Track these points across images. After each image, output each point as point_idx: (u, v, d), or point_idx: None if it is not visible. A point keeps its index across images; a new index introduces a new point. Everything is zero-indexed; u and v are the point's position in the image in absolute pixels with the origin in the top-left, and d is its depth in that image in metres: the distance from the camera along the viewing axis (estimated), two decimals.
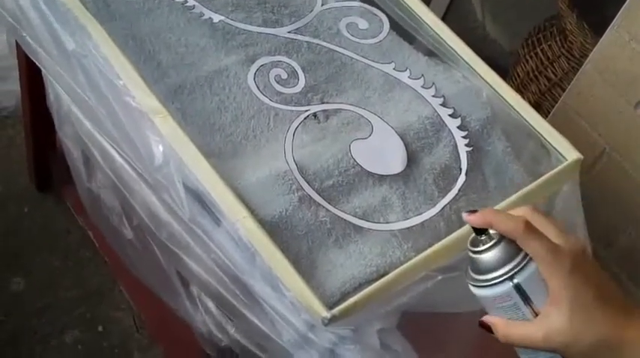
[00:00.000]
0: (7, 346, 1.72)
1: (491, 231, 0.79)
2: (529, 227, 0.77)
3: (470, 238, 0.81)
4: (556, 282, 0.76)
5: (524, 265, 0.77)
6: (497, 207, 1.05)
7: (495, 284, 0.77)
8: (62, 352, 1.74)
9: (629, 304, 0.78)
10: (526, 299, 0.77)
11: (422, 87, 1.19)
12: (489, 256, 0.78)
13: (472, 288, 0.81)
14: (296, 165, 1.06)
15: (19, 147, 2.00)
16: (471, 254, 0.80)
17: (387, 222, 1.04)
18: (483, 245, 0.79)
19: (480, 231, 0.79)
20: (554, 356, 0.78)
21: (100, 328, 1.78)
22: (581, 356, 0.77)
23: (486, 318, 0.81)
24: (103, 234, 1.38)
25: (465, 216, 0.80)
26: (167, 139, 1.03)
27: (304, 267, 0.97)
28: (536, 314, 0.77)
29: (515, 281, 0.77)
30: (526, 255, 0.77)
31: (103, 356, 1.75)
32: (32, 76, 1.60)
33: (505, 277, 0.77)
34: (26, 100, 1.75)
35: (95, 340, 1.77)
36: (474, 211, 0.80)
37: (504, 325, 0.79)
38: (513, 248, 0.77)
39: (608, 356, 0.76)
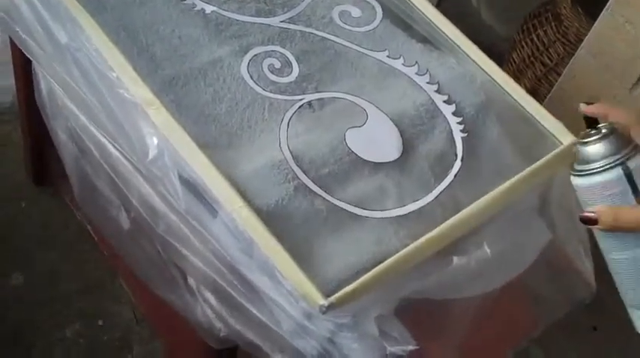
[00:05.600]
0: (8, 341, 1.72)
1: (602, 128, 0.85)
2: None
3: (580, 134, 0.87)
4: None
5: (635, 154, 0.83)
6: (493, 192, 1.05)
7: (607, 169, 0.83)
8: (63, 346, 1.74)
9: None
10: (634, 186, 0.82)
11: (416, 74, 1.19)
12: (601, 145, 0.84)
13: (580, 179, 0.86)
14: (291, 154, 1.06)
15: (16, 143, 2.00)
16: (581, 147, 0.86)
17: (383, 210, 1.04)
18: (595, 136, 0.85)
19: (591, 125, 0.86)
20: None
21: (100, 322, 1.79)
22: None
23: (589, 210, 0.84)
24: (99, 228, 1.38)
25: (582, 106, 0.87)
26: (161, 131, 1.03)
27: (301, 255, 0.96)
28: None
29: (627, 166, 0.82)
30: (636, 146, 0.83)
31: (103, 350, 1.75)
32: (27, 71, 1.60)
33: (617, 162, 0.83)
34: (22, 95, 1.74)
35: (96, 334, 1.77)
36: (591, 103, 0.87)
37: (612, 209, 0.83)
38: (624, 140, 0.84)
39: None
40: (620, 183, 0.82)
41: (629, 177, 0.82)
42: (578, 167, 0.86)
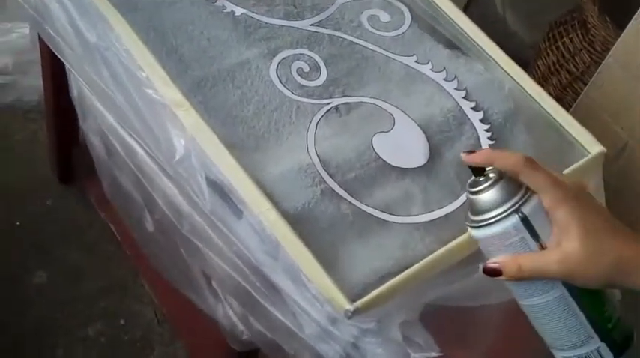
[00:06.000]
0: (30, 338, 1.73)
1: (489, 173, 0.80)
2: (530, 161, 0.79)
3: (468, 182, 0.82)
4: (562, 211, 0.77)
5: (529, 198, 0.78)
6: None
7: (502, 218, 0.78)
8: (85, 345, 1.74)
9: (631, 231, 0.79)
10: (533, 232, 0.78)
11: (444, 80, 1.19)
12: (493, 193, 0.79)
13: (476, 231, 0.81)
14: (318, 158, 1.06)
15: (42, 141, 2.01)
16: (472, 196, 0.81)
17: (410, 215, 1.04)
18: (484, 184, 0.80)
19: (478, 173, 0.81)
20: (555, 297, 0.79)
21: (122, 321, 1.79)
22: (596, 280, 0.77)
23: (490, 261, 0.81)
24: (127, 228, 1.38)
25: (464, 156, 0.81)
26: (190, 132, 1.03)
27: (327, 259, 0.96)
28: (543, 249, 0.78)
29: (522, 213, 0.78)
30: (528, 189, 0.79)
31: (125, 350, 1.76)
32: (55, 70, 1.61)
33: (512, 210, 0.78)
34: (49, 94, 1.75)
35: (117, 333, 1.78)
36: (473, 151, 0.81)
37: (513, 259, 0.79)
38: (515, 184, 0.79)
39: (625, 278, 0.77)
40: (519, 231, 0.78)
41: (526, 222, 0.78)
42: (472, 218, 0.81)
